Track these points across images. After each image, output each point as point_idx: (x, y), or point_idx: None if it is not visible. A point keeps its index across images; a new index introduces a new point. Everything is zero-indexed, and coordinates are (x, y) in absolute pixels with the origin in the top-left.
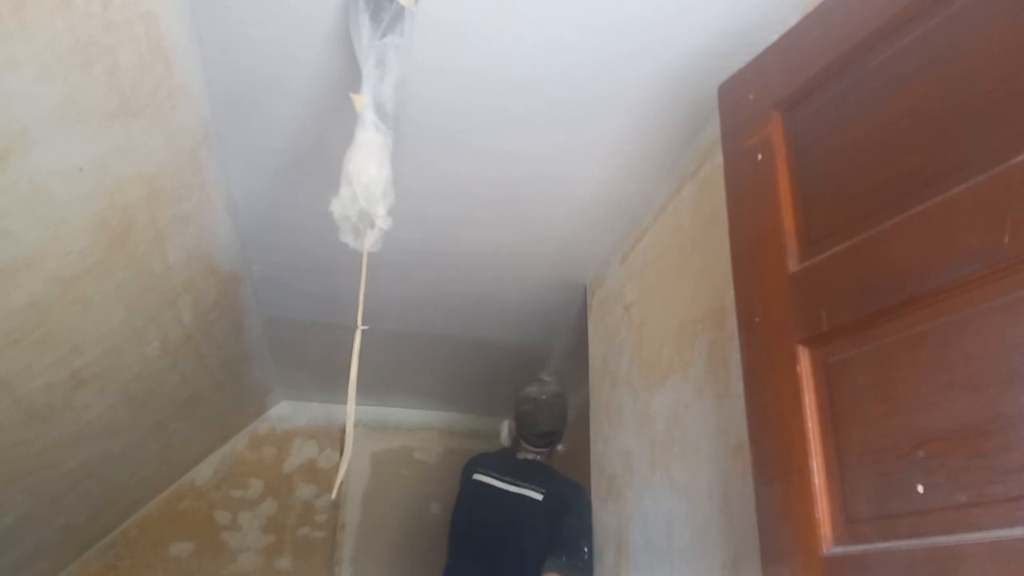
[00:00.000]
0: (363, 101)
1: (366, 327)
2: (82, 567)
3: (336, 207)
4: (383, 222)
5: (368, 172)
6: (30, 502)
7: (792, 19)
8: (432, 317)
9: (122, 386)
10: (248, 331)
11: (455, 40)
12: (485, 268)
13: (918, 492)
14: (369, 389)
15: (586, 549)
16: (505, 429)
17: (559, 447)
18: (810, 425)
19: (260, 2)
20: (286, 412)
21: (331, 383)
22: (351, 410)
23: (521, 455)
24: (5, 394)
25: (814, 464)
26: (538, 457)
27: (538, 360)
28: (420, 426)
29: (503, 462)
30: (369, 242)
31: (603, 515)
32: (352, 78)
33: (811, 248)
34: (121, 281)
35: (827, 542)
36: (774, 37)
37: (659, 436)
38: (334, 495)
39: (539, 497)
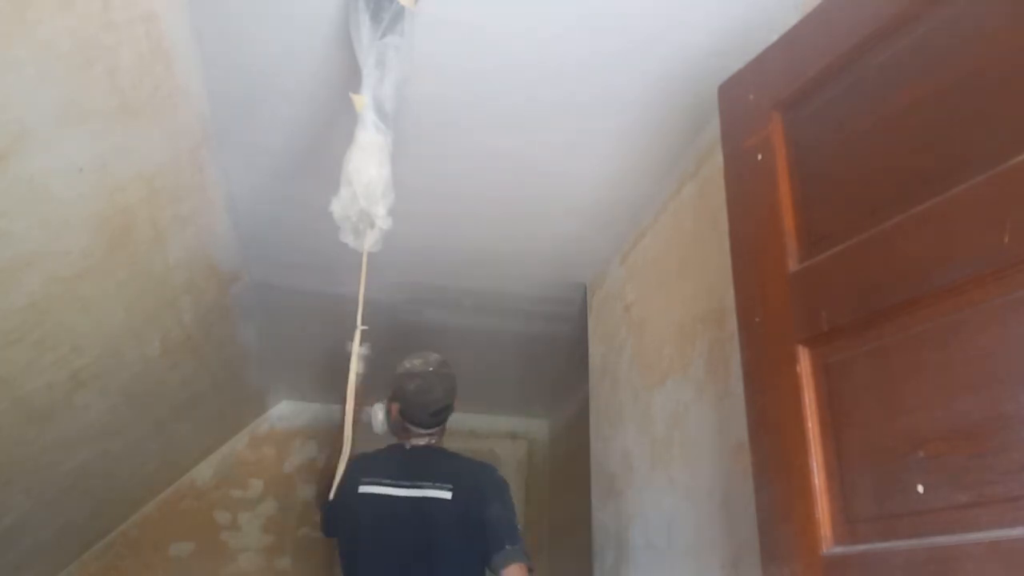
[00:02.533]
0: (363, 101)
1: (366, 327)
2: (82, 567)
3: (336, 207)
4: (383, 222)
5: (368, 172)
6: (30, 502)
7: (792, 19)
8: (431, 317)
9: (122, 386)
10: (248, 331)
11: (455, 40)
12: (485, 267)
13: (918, 492)
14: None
15: (519, 526)
16: (379, 414)
17: (376, 425)
18: (810, 425)
19: (260, 2)
20: (286, 412)
21: (331, 383)
22: (350, 410)
23: (412, 443)
24: (5, 394)
25: (814, 464)
26: (431, 440)
27: (538, 360)
28: None
29: (390, 461)
30: (369, 242)
31: (603, 515)
32: (352, 78)
33: (811, 248)
34: (121, 281)
35: (827, 542)
36: (774, 37)
37: (659, 436)
38: (332, 495)
39: (447, 496)
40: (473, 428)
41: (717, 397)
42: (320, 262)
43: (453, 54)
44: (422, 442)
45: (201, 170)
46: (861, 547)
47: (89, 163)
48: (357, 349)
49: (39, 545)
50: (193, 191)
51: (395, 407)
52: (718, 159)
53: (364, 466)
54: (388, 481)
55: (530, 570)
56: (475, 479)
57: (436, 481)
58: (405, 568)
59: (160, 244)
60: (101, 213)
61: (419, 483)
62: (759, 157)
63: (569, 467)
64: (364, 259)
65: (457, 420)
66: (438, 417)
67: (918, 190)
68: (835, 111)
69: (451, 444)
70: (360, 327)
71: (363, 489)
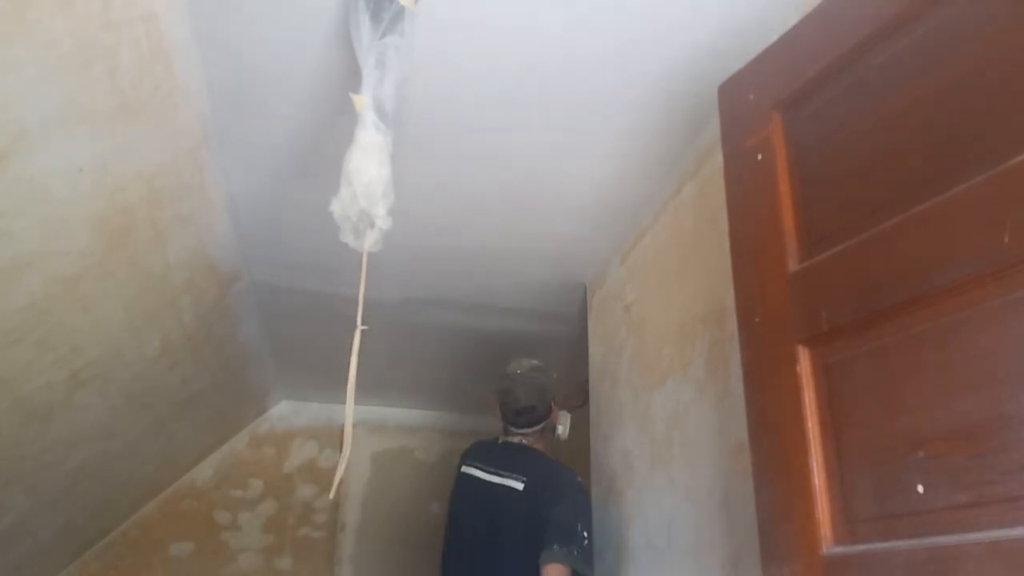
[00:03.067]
0: (363, 101)
1: (365, 327)
2: (82, 567)
3: (336, 207)
4: (383, 222)
5: (368, 172)
6: (30, 502)
7: (792, 19)
8: (432, 317)
9: (122, 386)
10: (248, 331)
11: (455, 40)
12: (485, 268)
13: (918, 492)
14: (369, 389)
15: (585, 533)
16: (566, 421)
17: (559, 431)
18: (810, 425)
19: (260, 2)
20: (286, 412)
21: (331, 383)
22: (350, 410)
23: (504, 439)
24: (5, 394)
25: (814, 464)
26: (524, 440)
27: (539, 360)
28: (420, 426)
29: (489, 450)
30: (369, 242)
31: (603, 515)
32: (352, 78)
33: (811, 248)
34: (121, 281)
35: (827, 542)
36: (774, 37)
37: (659, 436)
38: (332, 494)
39: (519, 487)
40: (474, 428)
41: (717, 397)
42: (320, 262)
43: (453, 54)
44: (515, 440)
45: (201, 170)
46: (861, 547)
47: (89, 163)
48: (357, 349)
49: (39, 545)
50: (193, 191)
51: (498, 405)
52: (718, 159)
53: (470, 450)
54: (480, 465)
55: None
56: (550, 477)
57: (513, 471)
58: (474, 548)
59: (160, 244)
60: (101, 213)
61: (500, 471)
62: (759, 157)
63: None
64: (364, 259)
65: (457, 420)
66: (524, 417)
67: (918, 190)
68: (835, 111)
69: (452, 443)
70: (360, 327)
71: (464, 469)
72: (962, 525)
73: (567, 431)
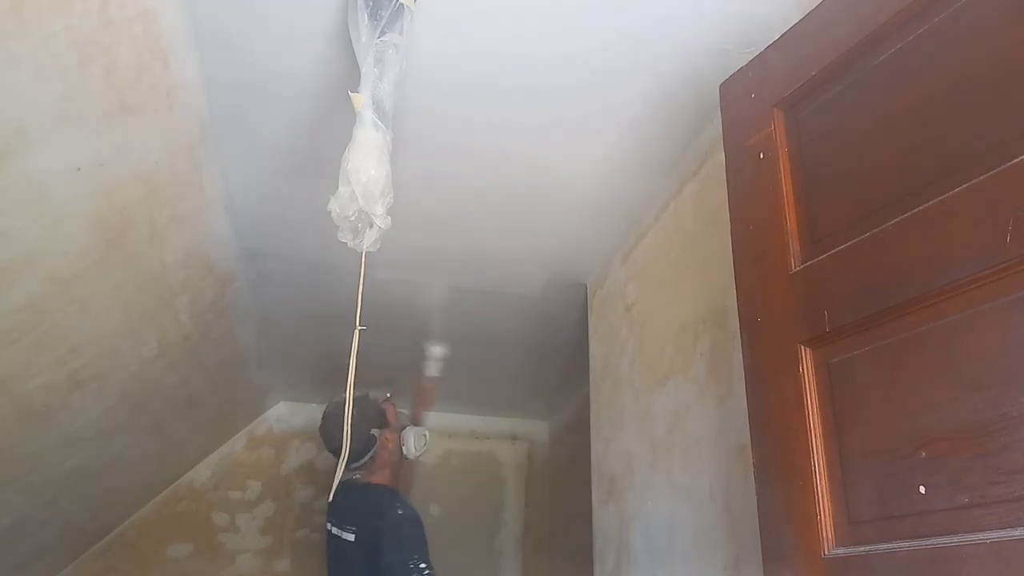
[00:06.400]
0: (362, 100)
1: (364, 327)
2: (80, 568)
3: (334, 206)
4: (382, 221)
5: (367, 171)
6: (27, 503)
7: (794, 17)
8: (431, 317)
9: (120, 387)
10: (246, 331)
11: (454, 38)
12: (485, 267)
13: (920, 493)
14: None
15: (423, 566)
16: (410, 438)
17: (404, 451)
18: (812, 426)
19: (258, 0)
20: (284, 413)
21: (330, 384)
22: (349, 410)
23: (346, 477)
24: (3, 395)
25: (816, 465)
26: (358, 475)
27: (538, 360)
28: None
29: (337, 498)
30: (368, 241)
31: (603, 517)
32: (351, 76)
33: (813, 248)
34: (119, 281)
35: (829, 544)
36: (776, 35)
37: (660, 437)
38: (331, 497)
39: (351, 538)
40: (473, 429)
41: (719, 398)
42: (318, 261)
43: (452, 53)
44: (355, 476)
45: (199, 169)
46: (863, 548)
47: (87, 162)
48: (356, 350)
49: (37, 546)
50: (191, 190)
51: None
52: (720, 158)
53: (331, 503)
54: (330, 518)
55: None
56: (373, 520)
57: (347, 522)
58: None
59: (158, 243)
60: (98, 212)
61: (339, 522)
62: (761, 156)
63: (569, 468)
64: (363, 259)
65: (457, 421)
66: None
67: (921, 189)
68: (837, 110)
69: (451, 445)
70: (359, 327)
71: (327, 525)
72: (964, 526)
73: (413, 448)
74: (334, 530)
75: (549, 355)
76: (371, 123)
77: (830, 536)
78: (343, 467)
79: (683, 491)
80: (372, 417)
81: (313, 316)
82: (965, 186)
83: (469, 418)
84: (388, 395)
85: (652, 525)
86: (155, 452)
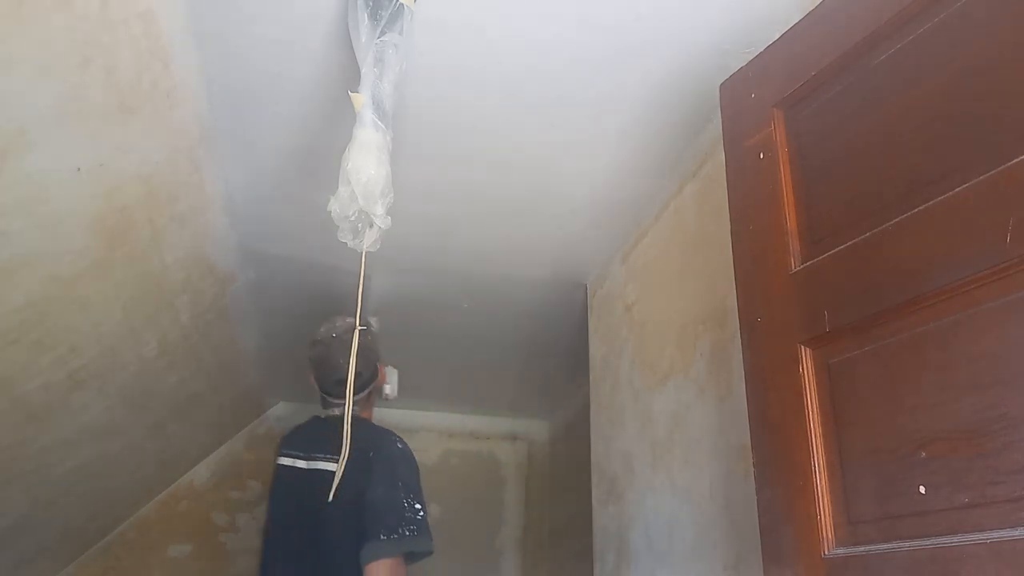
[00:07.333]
0: (362, 99)
1: (364, 327)
2: (80, 569)
3: (334, 206)
4: (382, 221)
5: (367, 171)
6: (27, 503)
7: (794, 17)
8: (431, 317)
9: (120, 387)
10: (246, 331)
11: (455, 38)
12: (485, 267)
13: (920, 493)
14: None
15: (417, 506)
16: (393, 378)
17: (387, 391)
18: (812, 426)
19: (258, 0)
20: (284, 413)
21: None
22: (349, 410)
23: (326, 413)
24: (3, 394)
25: (816, 465)
26: (355, 408)
27: (538, 360)
28: (419, 427)
29: (306, 433)
30: (368, 241)
31: (604, 517)
32: (351, 76)
33: (813, 248)
34: (119, 281)
35: (829, 543)
36: (776, 35)
37: (660, 437)
38: (331, 496)
39: (328, 467)
40: (473, 430)
41: (719, 398)
42: (318, 262)
43: (452, 53)
44: (336, 412)
45: (199, 169)
46: (863, 548)
47: (87, 162)
48: (355, 349)
49: (37, 546)
50: (191, 190)
51: (310, 375)
52: (720, 158)
53: (286, 436)
54: (297, 453)
55: (418, 555)
56: (368, 449)
57: (329, 452)
58: (299, 554)
59: (158, 244)
60: (98, 212)
61: (315, 455)
62: (761, 156)
63: (569, 468)
64: (363, 259)
65: (457, 421)
66: (345, 386)
67: (920, 189)
68: (837, 110)
69: (451, 445)
70: (359, 327)
71: (279, 461)
72: (964, 526)
73: (396, 389)
74: (304, 464)
75: (549, 355)
76: (371, 123)
77: (830, 536)
78: (342, 468)
79: (683, 491)
80: (377, 348)
81: (313, 316)
82: (965, 186)
83: (469, 418)
84: (375, 327)
85: (652, 525)
86: (155, 452)
